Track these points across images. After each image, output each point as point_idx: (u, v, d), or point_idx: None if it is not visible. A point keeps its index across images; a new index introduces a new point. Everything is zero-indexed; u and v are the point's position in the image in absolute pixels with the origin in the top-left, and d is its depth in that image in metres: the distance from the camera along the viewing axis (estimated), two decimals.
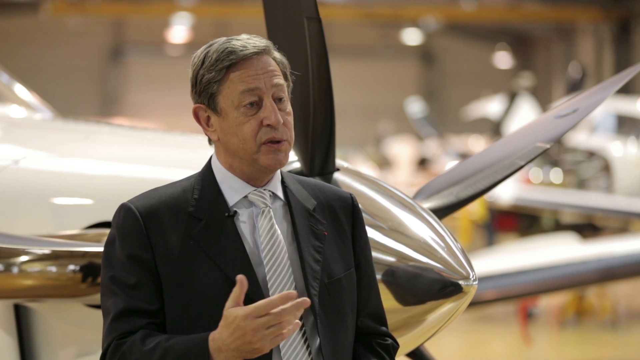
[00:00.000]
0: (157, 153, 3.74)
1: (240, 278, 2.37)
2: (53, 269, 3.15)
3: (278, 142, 2.56)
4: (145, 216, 2.56)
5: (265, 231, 2.57)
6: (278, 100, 2.58)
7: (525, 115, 16.52)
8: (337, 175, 3.29)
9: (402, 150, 27.50)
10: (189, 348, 2.43)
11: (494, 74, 38.29)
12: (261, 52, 2.58)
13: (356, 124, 35.58)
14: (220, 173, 2.62)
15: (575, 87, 18.11)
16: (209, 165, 2.65)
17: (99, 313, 3.19)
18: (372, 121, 36.15)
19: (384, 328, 2.75)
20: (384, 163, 27.57)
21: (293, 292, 2.37)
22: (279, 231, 2.58)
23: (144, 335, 2.49)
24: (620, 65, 27.64)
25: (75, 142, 3.89)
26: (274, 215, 2.60)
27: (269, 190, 2.62)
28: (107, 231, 3.21)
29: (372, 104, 38.29)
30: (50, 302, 3.25)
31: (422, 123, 25.69)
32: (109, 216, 3.21)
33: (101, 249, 3.14)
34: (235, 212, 2.58)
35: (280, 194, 2.63)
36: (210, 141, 2.65)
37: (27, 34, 36.11)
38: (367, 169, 23.13)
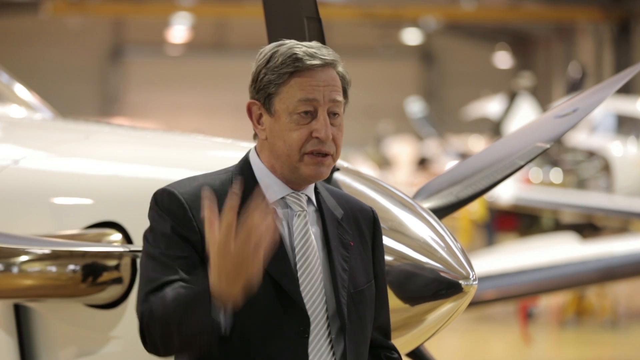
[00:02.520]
0: (157, 153, 3.73)
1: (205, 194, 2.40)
2: (53, 268, 3.14)
3: (323, 155, 2.56)
4: (190, 201, 2.54)
5: (301, 234, 2.57)
6: (332, 115, 2.58)
7: (525, 115, 16.52)
8: (337, 175, 3.29)
9: (402, 150, 27.51)
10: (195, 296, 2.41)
11: (494, 74, 38.29)
12: (327, 65, 2.58)
13: (356, 124, 35.54)
14: (260, 170, 2.61)
15: (575, 87, 18.11)
16: (247, 161, 2.63)
17: (99, 313, 3.20)
18: (372, 121, 36.15)
19: (390, 342, 2.78)
20: (384, 163, 27.58)
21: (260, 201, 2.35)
22: (312, 236, 2.58)
23: (172, 287, 2.45)
24: (620, 65, 27.64)
25: (75, 142, 3.89)
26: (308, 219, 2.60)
27: (306, 195, 2.62)
28: (107, 231, 3.21)
29: (372, 104, 38.29)
30: (50, 302, 3.25)
31: (422, 123, 25.68)
32: (109, 216, 3.22)
33: (101, 249, 3.16)
34: (274, 209, 2.57)
35: (314, 199, 2.64)
36: (255, 135, 2.64)
37: (27, 34, 36.11)
38: (367, 169, 23.12)
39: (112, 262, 3.15)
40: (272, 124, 2.58)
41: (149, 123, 27.58)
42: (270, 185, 2.59)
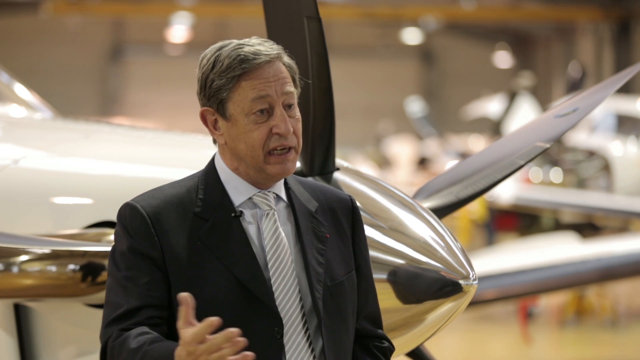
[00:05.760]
0: (157, 153, 3.74)
1: (184, 297, 2.32)
2: (53, 268, 3.15)
3: (287, 151, 2.56)
4: (152, 216, 2.54)
5: (270, 234, 2.57)
6: (287, 107, 2.58)
7: (525, 115, 16.51)
8: (337, 175, 3.30)
9: (402, 150, 27.50)
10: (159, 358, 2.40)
11: (494, 74, 38.27)
12: (273, 60, 2.57)
13: (356, 124, 35.56)
14: (225, 173, 2.60)
15: (575, 86, 18.11)
16: (212, 165, 2.63)
17: (99, 313, 3.20)
18: (372, 121, 36.13)
19: (380, 331, 2.76)
20: (384, 163, 27.57)
21: (234, 332, 2.31)
22: (283, 234, 2.58)
23: (137, 332, 2.46)
24: (620, 65, 27.64)
25: (75, 141, 3.89)
26: (278, 217, 2.60)
27: (273, 192, 2.61)
28: (107, 231, 3.21)
29: (372, 103, 38.28)
30: (50, 301, 3.25)
31: (422, 123, 25.66)
32: (109, 215, 3.22)
33: (101, 249, 3.16)
34: (242, 212, 2.57)
35: (283, 195, 2.63)
36: (214, 141, 2.64)
37: (27, 33, 36.09)
38: (367, 168, 23.12)
39: None
40: (229, 128, 2.57)
41: (149, 123, 27.58)
42: (236, 187, 2.59)
